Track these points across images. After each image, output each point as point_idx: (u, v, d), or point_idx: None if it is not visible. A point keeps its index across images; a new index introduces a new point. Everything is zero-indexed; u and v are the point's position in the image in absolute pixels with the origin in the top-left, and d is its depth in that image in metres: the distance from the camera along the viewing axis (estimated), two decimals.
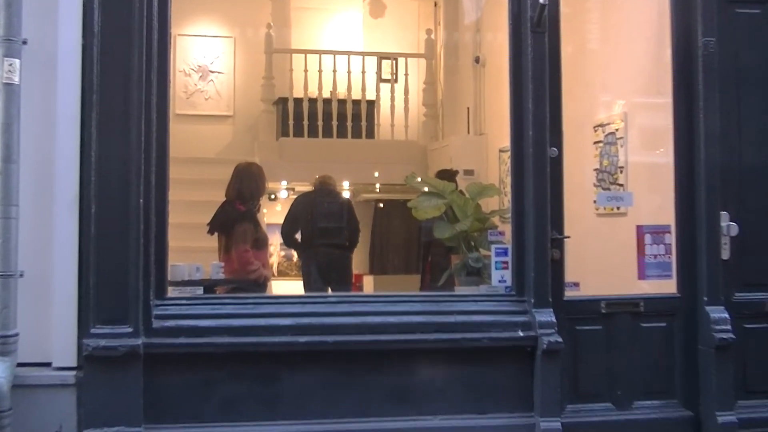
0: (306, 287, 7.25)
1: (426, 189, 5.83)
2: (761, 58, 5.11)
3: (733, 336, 4.82)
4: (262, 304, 4.58)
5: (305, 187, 9.78)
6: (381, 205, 10.21)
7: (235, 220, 5.97)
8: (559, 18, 4.84)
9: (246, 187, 6.09)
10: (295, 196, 9.41)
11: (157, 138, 4.39)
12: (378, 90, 10.12)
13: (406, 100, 10.14)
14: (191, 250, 5.81)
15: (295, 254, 9.65)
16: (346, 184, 9.49)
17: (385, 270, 9.71)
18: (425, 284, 7.64)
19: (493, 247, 4.92)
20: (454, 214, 5.51)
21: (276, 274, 9.16)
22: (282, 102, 10.01)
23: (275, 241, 8.55)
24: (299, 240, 7.63)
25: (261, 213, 6.36)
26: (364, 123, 9.97)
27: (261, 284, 5.91)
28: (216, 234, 6.03)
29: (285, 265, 9.97)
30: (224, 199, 6.12)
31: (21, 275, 4.23)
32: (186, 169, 8.28)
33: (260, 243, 6.06)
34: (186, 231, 6.76)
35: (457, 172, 7.89)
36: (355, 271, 8.32)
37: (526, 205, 4.77)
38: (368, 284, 9.07)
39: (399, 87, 10.27)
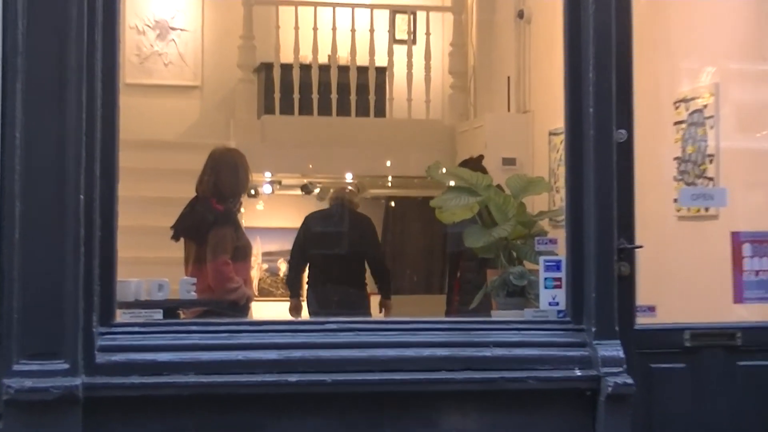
0: None
1: (453, 183, 5.82)
2: None
3: None
4: (240, 332, 4.56)
5: (294, 179, 9.81)
6: (393, 204, 10.22)
7: (210, 222, 5.99)
8: None
9: (225, 181, 6.13)
10: (279, 190, 9.46)
11: (103, 115, 4.38)
12: (391, 54, 10.13)
13: (427, 67, 10.16)
14: (148, 261, 5.83)
15: (281, 269, 9.68)
16: (348, 177, 9.51)
17: (400, 289, 9.73)
18: (453, 307, 7.69)
19: (541, 259, 4.90)
20: (491, 216, 5.50)
21: (257, 293, 9.18)
22: (265, 69, 10.03)
23: (256, 250, 8.60)
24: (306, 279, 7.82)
25: (241, 214, 6.39)
26: (372, 97, 9.99)
27: (242, 307, 5.92)
28: (183, 240, 6.04)
29: (268, 281, 9.98)
30: (194, 195, 6.14)
31: None
32: (140, 155, 8.30)
33: (242, 253, 6.08)
34: (141, 236, 6.79)
35: (481, 157, 7.91)
36: None
37: (586, 205, 4.75)
38: (378, 306, 9.07)
39: (418, 50, 10.29)
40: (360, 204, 8.59)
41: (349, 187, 8.53)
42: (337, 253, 7.92)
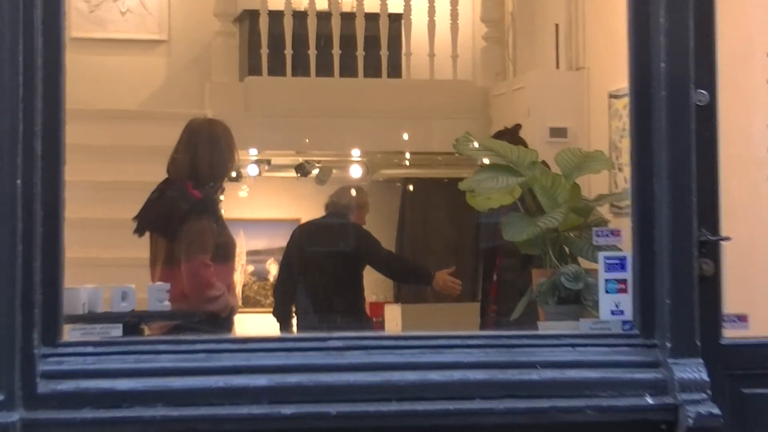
0: None
1: (488, 160, 5.82)
2: None
3: None
4: (221, 352, 4.56)
5: (286, 157, 9.82)
6: (412, 187, 10.22)
7: (184, 212, 6.02)
8: None
9: (205, 160, 6.15)
10: (267, 171, 9.45)
11: (45, 78, 4.38)
12: None
13: (453, 15, 10.15)
14: (103, 263, 5.83)
15: (270, 272, 9.71)
16: (355, 154, 9.51)
17: (422, 295, 9.73)
18: (489, 318, 7.69)
19: (601, 256, 4.91)
20: (536, 201, 5.49)
21: (241, 302, 9.21)
22: (249, 18, 10.05)
23: (240, 248, 8.62)
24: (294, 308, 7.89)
25: (221, 202, 6.41)
26: (384, 52, 9.99)
27: (224, 320, 5.93)
28: (149, 236, 6.05)
29: (255, 288, 10.01)
30: (164, 177, 6.16)
31: None
32: (93, 129, 8.33)
33: (223, 252, 6.09)
34: (95, 231, 6.78)
35: (518, 127, 7.91)
36: (371, 297, 8.37)
37: (657, 187, 4.74)
38: (394, 318, 9.12)
39: None
40: (369, 207, 8.55)
41: (354, 190, 8.50)
42: (333, 273, 7.97)
